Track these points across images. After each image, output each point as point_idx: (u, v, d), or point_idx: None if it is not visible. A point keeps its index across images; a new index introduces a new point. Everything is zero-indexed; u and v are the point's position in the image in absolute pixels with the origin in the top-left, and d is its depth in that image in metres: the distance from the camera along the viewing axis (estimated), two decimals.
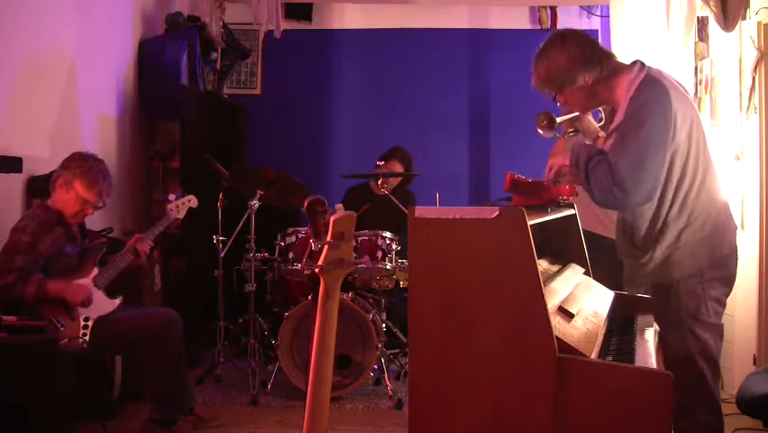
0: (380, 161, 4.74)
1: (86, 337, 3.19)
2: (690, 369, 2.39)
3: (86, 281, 3.35)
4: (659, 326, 2.60)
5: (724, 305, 2.47)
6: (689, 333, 2.41)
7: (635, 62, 2.45)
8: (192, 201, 3.88)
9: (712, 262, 2.41)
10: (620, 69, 2.45)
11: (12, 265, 3.15)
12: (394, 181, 4.98)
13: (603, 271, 3.10)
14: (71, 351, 3.14)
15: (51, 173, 3.82)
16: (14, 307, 3.24)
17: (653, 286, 2.56)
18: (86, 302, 3.27)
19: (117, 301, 3.40)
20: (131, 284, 3.71)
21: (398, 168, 5.00)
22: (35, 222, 3.28)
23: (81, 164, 3.37)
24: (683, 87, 2.53)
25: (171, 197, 3.86)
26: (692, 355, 2.40)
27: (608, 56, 2.47)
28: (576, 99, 2.49)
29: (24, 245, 3.20)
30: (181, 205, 3.83)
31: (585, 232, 3.14)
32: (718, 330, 2.45)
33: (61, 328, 3.18)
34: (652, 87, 2.34)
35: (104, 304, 3.36)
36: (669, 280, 2.44)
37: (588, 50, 2.42)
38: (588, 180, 2.34)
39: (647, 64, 2.45)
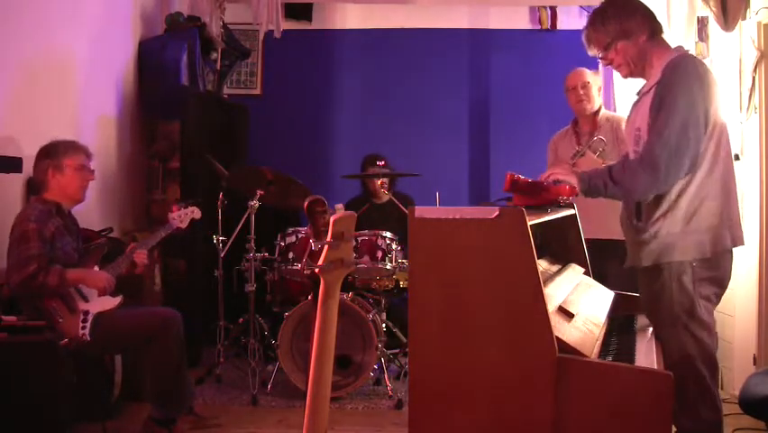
0: (379, 161, 4.75)
1: (87, 331, 3.20)
2: (690, 369, 2.40)
3: (103, 271, 3.37)
4: (653, 325, 2.61)
5: (714, 304, 2.51)
6: (684, 331, 2.42)
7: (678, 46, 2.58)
8: (195, 213, 3.88)
9: (702, 260, 2.43)
10: (664, 43, 2.56)
11: (29, 253, 3.16)
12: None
13: (610, 279, 3.09)
14: (73, 346, 3.14)
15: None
16: (15, 306, 3.24)
17: (642, 280, 2.58)
18: (107, 288, 3.31)
19: (117, 300, 3.40)
20: (131, 284, 3.71)
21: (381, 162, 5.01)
22: (36, 211, 3.30)
23: (52, 146, 3.46)
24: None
25: (174, 207, 3.85)
26: (691, 355, 2.41)
27: (660, 28, 2.59)
28: (624, 58, 2.55)
29: (34, 232, 3.21)
30: (184, 215, 3.84)
31: (591, 240, 3.12)
32: (711, 328, 2.48)
33: (60, 321, 3.19)
34: (687, 62, 2.43)
35: (104, 301, 3.36)
36: (651, 265, 2.48)
37: (646, 9, 2.56)
38: (615, 184, 2.41)
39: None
